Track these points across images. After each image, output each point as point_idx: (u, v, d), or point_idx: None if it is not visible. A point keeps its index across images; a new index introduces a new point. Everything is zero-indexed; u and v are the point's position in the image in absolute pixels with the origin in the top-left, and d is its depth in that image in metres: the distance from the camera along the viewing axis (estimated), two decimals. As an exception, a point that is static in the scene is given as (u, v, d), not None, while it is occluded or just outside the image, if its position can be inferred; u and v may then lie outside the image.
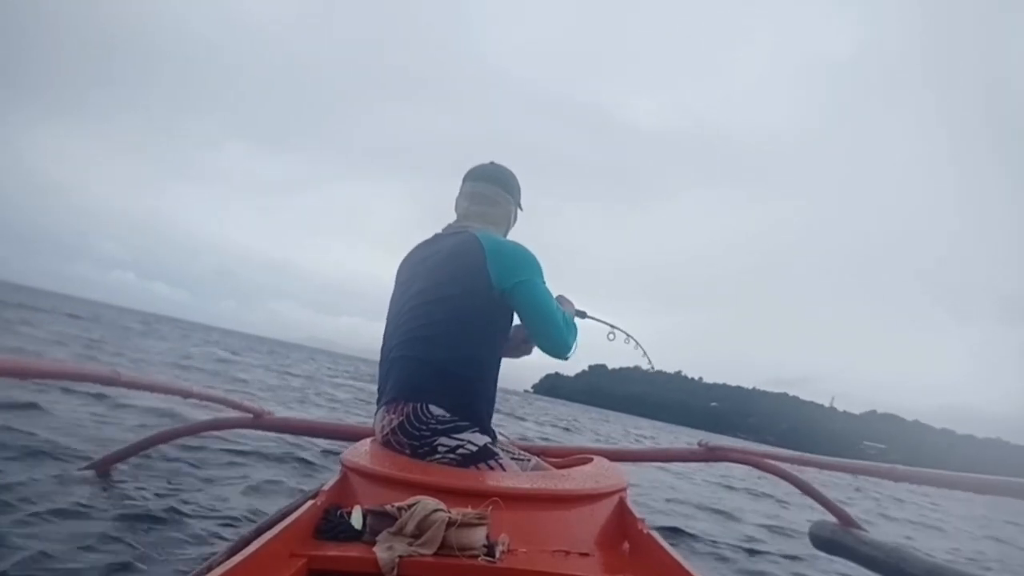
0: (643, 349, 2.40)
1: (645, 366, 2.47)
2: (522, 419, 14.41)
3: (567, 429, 15.21)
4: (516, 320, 1.81)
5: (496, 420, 1.78)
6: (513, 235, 2.04)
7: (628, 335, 2.34)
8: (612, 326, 2.30)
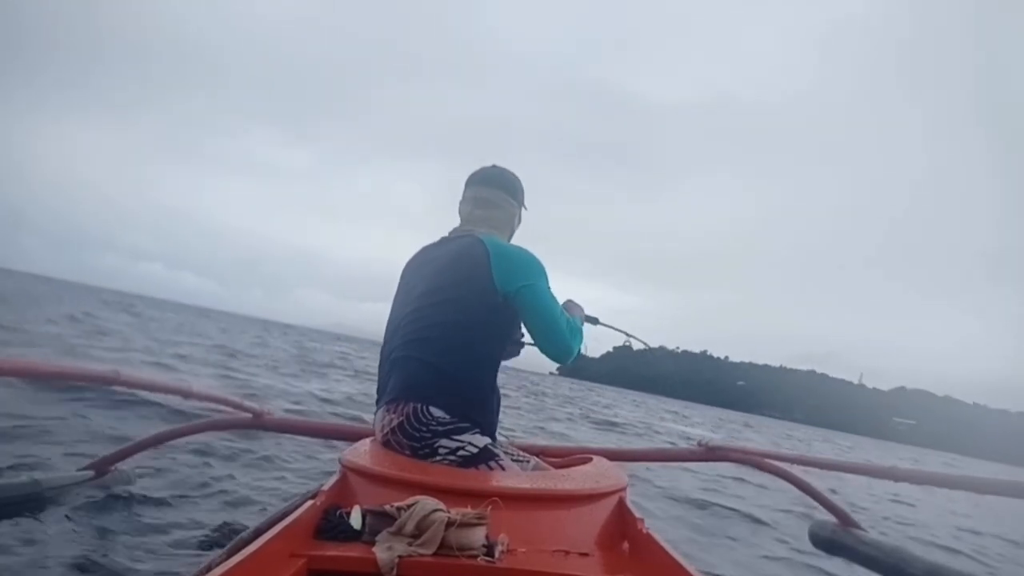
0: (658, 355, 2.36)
1: (623, 337, 2.38)
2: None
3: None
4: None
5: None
6: (521, 233, 2.03)
7: (645, 344, 2.29)
8: (628, 334, 2.25)
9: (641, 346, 2.31)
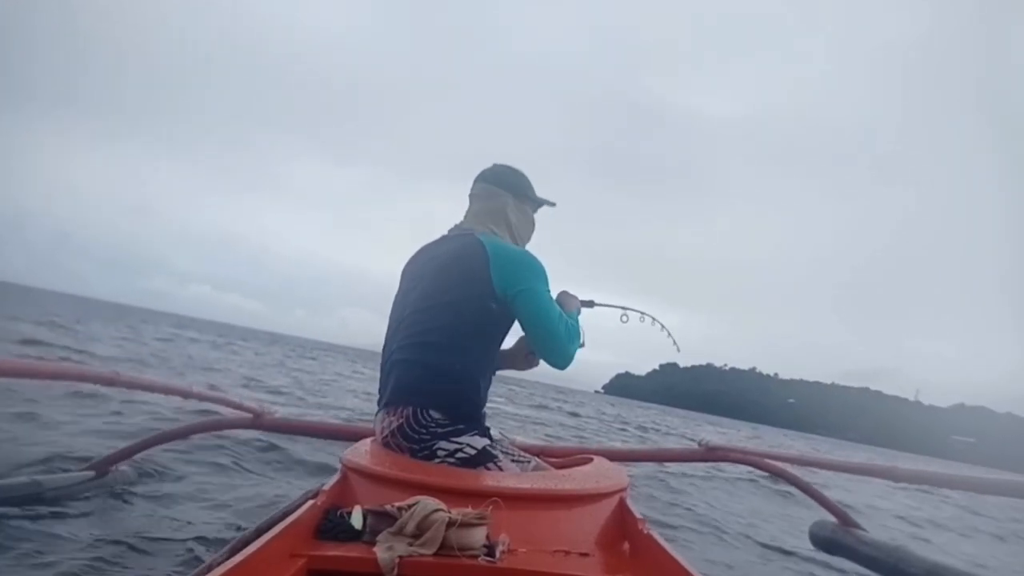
0: (661, 324, 2.23)
1: (671, 347, 2.29)
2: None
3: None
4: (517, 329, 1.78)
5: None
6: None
7: (643, 313, 2.19)
8: (624, 308, 2.17)
9: (640, 319, 2.22)
